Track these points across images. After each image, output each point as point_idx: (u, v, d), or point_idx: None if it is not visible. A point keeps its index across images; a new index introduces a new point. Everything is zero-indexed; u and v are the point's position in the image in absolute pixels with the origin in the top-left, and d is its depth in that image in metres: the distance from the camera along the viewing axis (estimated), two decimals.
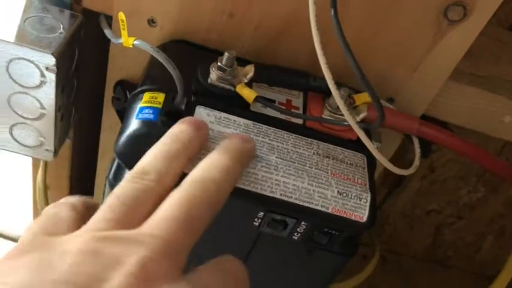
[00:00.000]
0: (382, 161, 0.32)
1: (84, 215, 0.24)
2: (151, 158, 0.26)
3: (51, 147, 0.39)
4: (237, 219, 0.31)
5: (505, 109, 0.42)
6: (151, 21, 0.37)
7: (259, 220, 0.31)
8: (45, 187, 0.49)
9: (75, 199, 0.26)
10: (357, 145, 0.34)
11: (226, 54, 0.33)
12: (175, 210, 0.23)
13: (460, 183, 0.70)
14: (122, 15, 0.30)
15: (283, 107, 0.35)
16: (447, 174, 0.69)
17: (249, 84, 0.34)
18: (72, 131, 0.45)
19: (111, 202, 0.23)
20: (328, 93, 0.34)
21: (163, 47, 0.37)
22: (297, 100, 0.36)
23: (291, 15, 0.35)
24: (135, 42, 0.30)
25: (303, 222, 0.31)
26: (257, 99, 0.33)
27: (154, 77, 0.33)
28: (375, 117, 0.35)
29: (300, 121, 0.35)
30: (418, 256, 0.82)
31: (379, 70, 0.38)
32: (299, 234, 0.32)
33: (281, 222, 0.31)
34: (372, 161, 0.34)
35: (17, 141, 0.39)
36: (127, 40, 0.30)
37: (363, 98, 0.36)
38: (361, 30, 0.36)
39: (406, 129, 0.35)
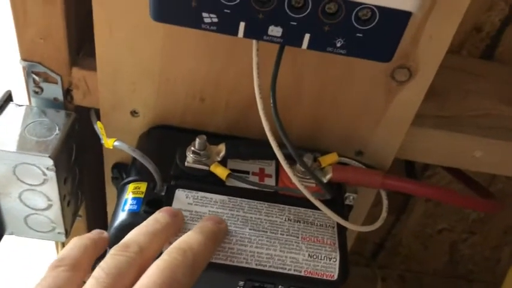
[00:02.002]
0: (342, 222, 0.35)
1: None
2: (133, 234, 0.31)
3: (62, 230, 0.44)
4: None
5: (474, 145, 0.44)
6: (133, 112, 0.41)
7: None
8: None
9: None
10: (326, 205, 0.37)
11: (197, 140, 0.37)
12: (157, 277, 0.27)
13: None
14: (100, 124, 0.35)
15: (256, 177, 0.38)
16: None
17: (224, 161, 0.38)
18: (83, 208, 0.50)
19: (97, 275, 0.27)
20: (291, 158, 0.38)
21: (148, 133, 0.41)
22: (270, 168, 0.39)
23: (252, 93, 0.39)
24: (115, 143, 0.35)
25: (280, 286, 0.34)
26: (230, 175, 0.37)
27: (138, 168, 0.38)
28: (341, 176, 0.38)
29: (273, 186, 0.38)
30: (438, 273, 0.83)
31: (343, 128, 0.41)
32: None
33: None
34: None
35: (32, 229, 0.44)
36: (107, 143, 0.35)
37: (328, 159, 0.39)
38: (320, 98, 0.39)
39: (371, 185, 0.38)
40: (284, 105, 0.39)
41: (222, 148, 0.38)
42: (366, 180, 0.38)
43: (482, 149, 0.44)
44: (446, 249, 0.79)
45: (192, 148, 0.37)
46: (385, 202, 0.38)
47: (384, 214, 0.38)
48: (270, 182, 0.39)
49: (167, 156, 0.38)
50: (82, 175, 0.47)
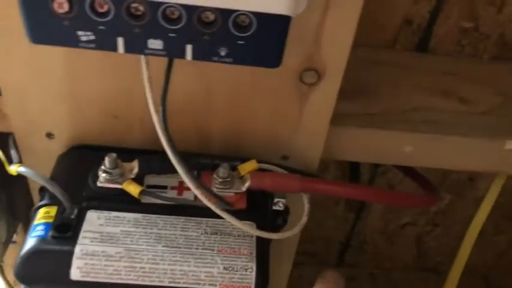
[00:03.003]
0: (251, 230, 0.35)
1: None
2: None
3: None
4: None
5: (403, 140, 0.44)
6: (49, 135, 0.40)
7: None
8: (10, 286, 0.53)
9: None
10: (247, 213, 0.37)
11: (107, 158, 0.36)
12: None
13: None
14: None
15: (175, 192, 0.38)
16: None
17: (141, 177, 0.37)
18: (21, 233, 0.49)
19: None
20: (214, 168, 0.37)
21: (65, 155, 0.41)
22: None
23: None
24: (19, 169, 0.34)
25: None
26: (143, 192, 0.36)
27: (50, 192, 0.37)
28: (259, 183, 0.37)
29: (191, 199, 0.37)
30: (407, 267, 0.82)
31: (263, 134, 0.40)
32: None
33: None
34: (262, 226, 0.37)
35: None
36: (10, 170, 0.34)
37: (248, 167, 0.38)
38: (234, 106, 0.38)
39: (290, 189, 0.37)
40: (198, 116, 0.39)
41: (134, 165, 0.37)
42: (285, 186, 0.37)
43: (411, 144, 0.44)
44: (413, 243, 0.79)
45: (103, 167, 0.36)
46: (306, 206, 0.38)
47: (304, 219, 0.37)
48: (189, 195, 0.38)
49: (82, 177, 0.37)
50: (12, 201, 0.46)
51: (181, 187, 0.38)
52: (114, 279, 0.33)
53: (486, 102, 0.48)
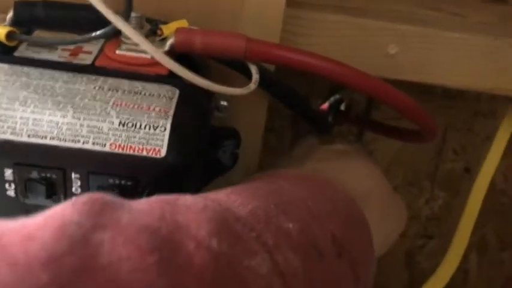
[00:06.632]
0: (199, 82, 0.23)
1: None
2: None
3: None
4: None
5: (386, 37, 0.34)
6: None
7: (13, 184, 0.21)
8: None
9: None
10: (168, 79, 0.25)
11: None
12: None
13: (414, 191, 0.60)
14: None
15: (67, 52, 0.26)
16: (394, 182, 0.58)
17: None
18: None
19: None
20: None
21: None
22: (93, 46, 0.28)
23: None
24: None
25: (73, 175, 0.21)
26: (13, 36, 0.25)
27: None
28: (187, 40, 0.26)
29: (88, 61, 0.26)
30: None
31: (198, 6, 0.30)
32: None
33: (43, 181, 0.21)
34: (190, 98, 0.25)
35: None
36: None
37: (172, 26, 0.27)
38: None
39: (231, 51, 0.26)
40: None
41: (9, 10, 0.26)
42: (224, 45, 0.26)
43: (396, 42, 0.34)
44: (403, 263, 0.65)
45: None
46: (255, 76, 0.26)
47: (252, 86, 0.26)
48: (86, 57, 0.26)
49: None
50: None
51: (80, 50, 0.27)
52: None
53: (482, 17, 0.39)
